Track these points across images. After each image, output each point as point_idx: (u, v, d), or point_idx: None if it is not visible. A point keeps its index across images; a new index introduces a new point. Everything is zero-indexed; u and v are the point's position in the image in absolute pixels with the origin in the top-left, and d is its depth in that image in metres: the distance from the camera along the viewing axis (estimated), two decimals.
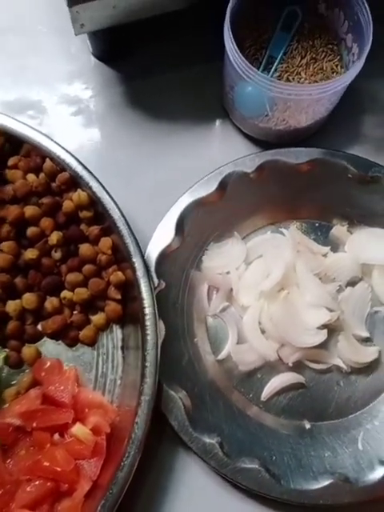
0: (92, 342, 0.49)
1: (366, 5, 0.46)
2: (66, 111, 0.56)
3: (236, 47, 0.45)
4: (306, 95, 0.47)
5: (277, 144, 0.53)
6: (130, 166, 0.54)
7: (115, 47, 0.56)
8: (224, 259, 0.51)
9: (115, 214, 0.47)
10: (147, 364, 0.44)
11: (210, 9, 0.49)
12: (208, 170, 0.52)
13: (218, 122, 0.56)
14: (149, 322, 0.45)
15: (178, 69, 0.56)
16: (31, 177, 0.49)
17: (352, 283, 0.52)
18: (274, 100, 0.48)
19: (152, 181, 0.53)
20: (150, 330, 0.45)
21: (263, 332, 0.50)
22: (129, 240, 0.47)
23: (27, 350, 0.48)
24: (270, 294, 0.49)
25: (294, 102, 0.49)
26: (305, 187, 0.52)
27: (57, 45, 0.57)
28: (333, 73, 0.52)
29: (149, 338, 0.45)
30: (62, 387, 0.46)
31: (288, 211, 0.53)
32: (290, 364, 0.49)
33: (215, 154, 0.54)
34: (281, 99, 0.48)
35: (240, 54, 0.45)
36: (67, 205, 0.48)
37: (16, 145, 0.50)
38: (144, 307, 0.45)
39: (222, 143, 0.55)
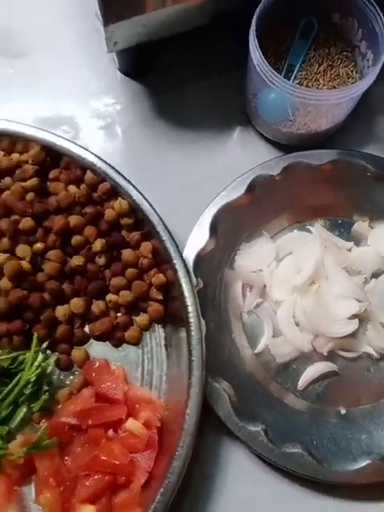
0: (137, 342, 0.52)
1: (381, 14, 0.49)
2: (97, 125, 0.59)
3: (262, 56, 0.49)
4: (326, 100, 0.51)
5: (298, 147, 0.56)
6: (160, 174, 0.57)
7: (141, 62, 0.59)
8: (255, 258, 0.54)
9: (155, 219, 0.50)
10: (194, 358, 0.47)
11: (230, 22, 0.53)
12: (234, 174, 0.55)
13: (240, 129, 0.59)
14: (192, 320, 0.48)
15: (200, 80, 0.59)
16: (72, 188, 0.52)
17: (376, 275, 0.55)
18: (295, 105, 0.52)
19: (182, 187, 0.56)
20: (194, 327, 0.48)
21: (297, 325, 0.53)
22: (169, 244, 0.50)
23: (77, 353, 0.51)
24: (302, 289, 0.52)
25: (314, 107, 0.52)
26: (327, 186, 0.56)
27: (84, 63, 0.60)
28: (348, 78, 0.55)
29: (193, 334, 0.48)
30: (114, 385, 0.49)
31: (312, 210, 0.56)
32: (325, 353, 0.52)
33: (240, 159, 0.57)
34: (302, 104, 0.51)
35: (266, 62, 0.49)
36: (109, 213, 0.51)
37: (55, 158, 0.53)
38: (187, 305, 0.48)
39: (246, 148, 0.58)
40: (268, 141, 0.59)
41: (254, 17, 0.49)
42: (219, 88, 0.59)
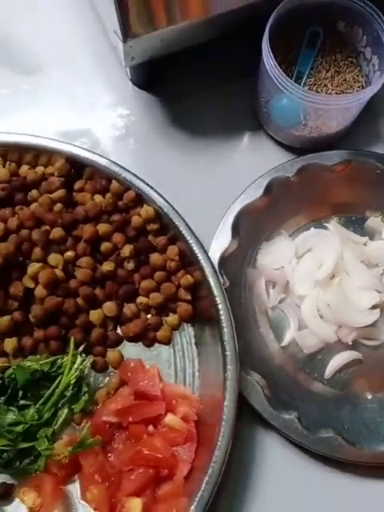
0: (168, 341, 0.54)
1: None
2: (113, 136, 0.61)
3: (276, 63, 0.52)
4: (336, 105, 0.54)
5: (309, 149, 0.59)
6: (178, 181, 0.59)
7: (153, 74, 0.61)
8: (276, 256, 0.57)
9: (181, 224, 0.53)
10: (228, 353, 0.49)
11: (240, 32, 0.56)
12: (249, 177, 0.58)
13: (252, 133, 0.62)
14: (224, 317, 0.50)
15: (211, 88, 0.62)
16: (98, 197, 0.54)
17: None
18: (307, 110, 0.55)
19: (200, 192, 0.59)
20: (225, 324, 0.50)
21: (321, 317, 0.55)
22: (195, 246, 0.52)
23: (111, 354, 0.53)
24: (324, 283, 0.55)
25: (324, 111, 0.55)
26: (339, 185, 0.59)
27: (98, 76, 0.63)
28: (354, 82, 0.58)
29: (225, 330, 0.50)
30: (151, 383, 0.51)
31: (327, 208, 0.59)
32: (350, 342, 0.54)
33: (253, 163, 0.60)
34: (313, 109, 0.54)
35: (279, 69, 0.52)
36: (136, 220, 0.53)
37: (79, 169, 0.55)
38: (217, 303, 0.51)
39: (258, 152, 0.61)
40: (279, 144, 0.61)
41: (267, 27, 0.52)
42: (230, 95, 0.62)
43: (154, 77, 0.61)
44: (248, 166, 0.60)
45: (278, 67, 0.52)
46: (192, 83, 0.62)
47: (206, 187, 0.59)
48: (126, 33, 0.50)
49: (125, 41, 0.51)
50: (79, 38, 0.64)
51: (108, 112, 0.62)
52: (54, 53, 0.63)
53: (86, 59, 0.63)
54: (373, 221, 0.59)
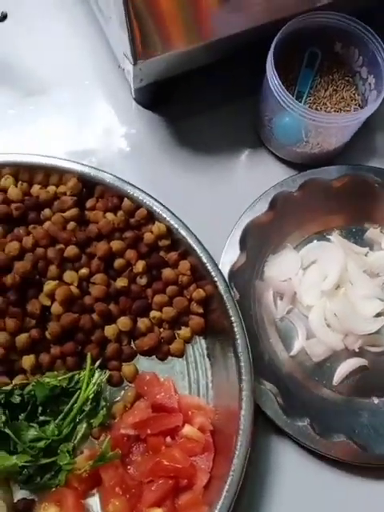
0: (181, 354, 0.56)
1: (381, 42, 0.55)
2: (119, 155, 0.63)
3: (280, 83, 0.54)
4: (335, 123, 0.56)
5: (309, 165, 0.62)
6: (184, 197, 0.61)
7: (158, 95, 0.63)
8: (283, 268, 0.59)
9: (192, 239, 0.54)
10: (242, 364, 0.51)
11: (242, 54, 0.59)
12: (253, 192, 0.60)
13: (254, 150, 0.64)
14: (237, 329, 0.52)
15: (214, 107, 0.64)
16: (110, 215, 0.56)
17: None
18: (308, 128, 0.57)
19: (206, 208, 0.61)
20: (239, 336, 0.52)
21: (328, 326, 0.57)
22: (207, 261, 0.54)
23: (127, 368, 0.54)
24: (330, 293, 0.57)
25: (324, 129, 0.57)
26: (340, 199, 0.61)
27: (103, 96, 0.65)
28: (351, 100, 0.61)
29: (239, 342, 0.52)
30: (168, 395, 0.52)
31: (328, 221, 0.62)
32: (356, 350, 0.56)
33: (256, 179, 0.62)
34: (314, 126, 0.57)
35: (283, 88, 0.54)
36: (148, 237, 0.55)
37: (90, 188, 0.56)
38: (230, 316, 0.52)
39: (260, 168, 0.63)
40: (280, 160, 0.64)
41: (271, 49, 0.54)
42: (232, 113, 0.64)
43: (159, 97, 0.63)
44: (251, 181, 0.62)
45: (283, 87, 0.54)
46: (195, 102, 0.64)
47: (212, 203, 0.61)
48: (136, 56, 0.52)
49: (135, 63, 0.53)
50: (84, 60, 0.65)
51: (113, 131, 0.64)
52: (59, 74, 0.65)
53: (91, 80, 0.65)
54: (372, 232, 0.62)
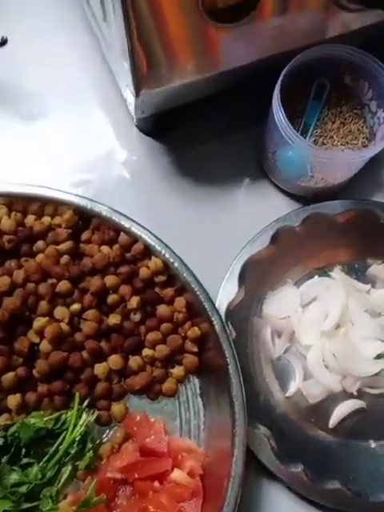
0: (173, 394, 0.54)
1: None
2: (119, 182, 0.61)
3: (286, 118, 0.52)
4: (341, 160, 0.55)
5: (313, 199, 0.60)
6: (184, 228, 0.59)
7: (160, 122, 0.61)
8: (282, 305, 0.57)
9: (189, 276, 0.52)
10: (236, 409, 0.49)
11: (248, 84, 0.57)
12: (254, 225, 0.58)
13: (257, 182, 0.62)
14: (232, 371, 0.50)
15: (217, 136, 0.62)
16: (106, 249, 0.54)
17: None
18: (313, 163, 0.55)
19: (207, 241, 0.59)
20: (234, 378, 0.50)
21: (326, 367, 0.55)
22: (204, 298, 0.52)
23: (116, 408, 0.53)
24: (330, 333, 0.56)
25: (329, 165, 0.55)
26: (343, 234, 0.59)
27: (104, 121, 0.63)
28: (359, 133, 0.59)
29: (234, 385, 0.50)
30: (158, 439, 0.51)
31: (330, 256, 0.60)
32: (355, 393, 0.55)
33: (258, 211, 0.60)
34: (319, 162, 0.55)
35: (289, 124, 0.52)
36: (144, 272, 0.53)
37: (86, 220, 0.54)
38: (226, 357, 0.50)
39: (263, 201, 0.61)
40: (283, 192, 0.62)
41: (278, 83, 0.52)
42: (236, 143, 0.62)
43: (161, 124, 0.61)
44: (253, 214, 0.60)
45: (288, 122, 0.52)
46: (199, 131, 0.62)
47: (212, 236, 0.59)
48: (139, 88, 0.50)
49: (137, 95, 0.51)
50: (86, 85, 0.63)
51: (114, 157, 0.62)
52: (60, 98, 0.63)
53: (92, 105, 0.63)
54: (375, 268, 0.60)
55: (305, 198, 0.61)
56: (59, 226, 0.54)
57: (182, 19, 0.46)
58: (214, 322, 0.51)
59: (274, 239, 0.57)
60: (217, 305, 0.54)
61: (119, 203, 0.58)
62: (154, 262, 0.53)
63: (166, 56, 0.48)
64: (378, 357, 0.55)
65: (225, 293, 0.55)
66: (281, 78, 0.52)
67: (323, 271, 0.60)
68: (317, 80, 0.58)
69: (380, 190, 0.62)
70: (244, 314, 0.56)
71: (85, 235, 0.54)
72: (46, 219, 0.54)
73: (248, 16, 0.49)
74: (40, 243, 0.54)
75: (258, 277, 0.57)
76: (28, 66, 0.63)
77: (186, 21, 0.46)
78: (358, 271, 0.60)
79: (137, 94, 0.50)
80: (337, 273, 0.59)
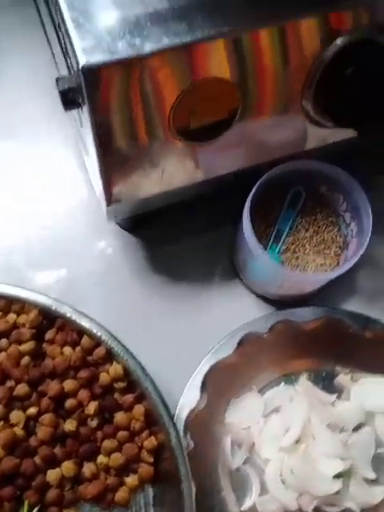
0: (126, 503, 0.53)
1: (366, 198, 0.53)
2: (92, 276, 0.61)
3: (255, 237, 0.52)
4: (310, 281, 0.55)
5: (285, 302, 0.59)
6: (150, 328, 0.59)
7: (137, 220, 0.61)
8: (244, 414, 0.56)
9: (149, 385, 0.52)
10: None
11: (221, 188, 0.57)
12: (224, 328, 0.57)
13: (230, 283, 0.61)
14: (185, 485, 0.49)
15: (193, 233, 0.62)
16: (68, 350, 0.53)
17: (357, 428, 0.57)
18: (283, 277, 0.55)
19: (174, 342, 0.58)
20: (185, 491, 0.49)
21: (283, 482, 0.54)
22: (162, 410, 0.51)
23: None
24: (290, 448, 0.54)
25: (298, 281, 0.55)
26: (312, 342, 0.58)
27: (80, 214, 0.63)
28: (332, 242, 0.58)
29: (185, 496, 0.49)
30: None
31: (298, 364, 0.59)
32: (310, 511, 0.54)
33: (229, 313, 0.60)
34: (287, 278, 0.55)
35: (258, 242, 0.52)
36: (104, 378, 0.52)
37: (51, 319, 0.54)
38: (180, 473, 0.49)
39: (235, 302, 0.61)
40: (255, 294, 0.61)
41: (249, 197, 0.52)
42: (212, 242, 0.62)
43: (137, 222, 0.61)
44: (223, 315, 0.60)
45: (256, 241, 0.52)
46: (175, 228, 0.62)
47: (180, 337, 0.59)
48: (109, 200, 0.50)
49: (108, 205, 0.51)
50: (64, 175, 0.63)
51: (90, 249, 0.62)
52: (37, 186, 0.63)
53: (69, 196, 0.63)
54: (342, 378, 0.59)
55: (278, 301, 0.60)
56: (24, 325, 0.53)
57: (153, 138, 0.46)
58: (171, 435, 0.50)
59: (240, 346, 0.56)
60: (178, 411, 0.54)
61: (89, 297, 0.59)
62: (114, 369, 0.52)
63: (136, 171, 0.48)
64: (338, 476, 0.54)
65: (187, 399, 0.54)
66: (252, 193, 0.52)
67: (290, 378, 0.59)
68: (292, 188, 0.58)
69: (353, 297, 0.61)
70: (205, 421, 0.55)
71: (49, 334, 0.54)
72: (12, 317, 0.54)
73: (222, 134, 0.49)
74: (3, 341, 0.53)
75: (221, 384, 0.56)
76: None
77: (156, 140, 0.46)
78: (325, 379, 0.59)
79: (107, 204, 0.50)
80: (302, 382, 0.58)
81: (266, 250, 0.57)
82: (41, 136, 0.65)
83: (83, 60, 0.40)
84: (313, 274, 0.57)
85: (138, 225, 0.61)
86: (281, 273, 0.53)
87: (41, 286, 0.59)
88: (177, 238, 0.62)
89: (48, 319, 0.54)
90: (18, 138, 0.64)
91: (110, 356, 0.53)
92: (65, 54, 0.46)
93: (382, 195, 0.59)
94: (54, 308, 0.53)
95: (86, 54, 0.40)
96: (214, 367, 0.55)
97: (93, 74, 0.40)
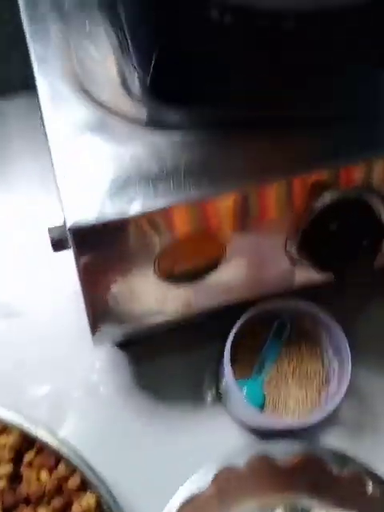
0: None
1: (347, 346, 0.54)
2: (74, 394, 0.61)
3: (235, 382, 0.53)
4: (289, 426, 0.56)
5: (266, 433, 0.59)
6: (131, 448, 0.59)
7: (125, 340, 0.62)
8: None
9: None
10: None
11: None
12: (202, 455, 0.57)
13: (214, 406, 0.61)
14: None
15: (180, 351, 0.62)
16: (44, 475, 0.54)
17: None
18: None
19: (149, 469, 0.58)
20: None
21: None
22: None
23: None
24: None
25: None
26: (290, 477, 0.57)
27: (67, 328, 0.63)
28: (316, 375, 0.59)
29: None
30: None
31: (274, 498, 0.57)
32: None
33: (210, 439, 0.59)
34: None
35: (238, 387, 0.53)
36: (76, 509, 0.52)
37: (30, 441, 0.55)
38: None
39: (217, 428, 0.60)
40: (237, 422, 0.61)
41: (228, 343, 0.53)
42: (199, 361, 0.62)
43: (127, 341, 0.62)
44: (201, 443, 0.59)
45: (237, 385, 0.53)
46: (164, 345, 0.62)
47: (158, 462, 0.58)
48: (95, 330, 0.51)
49: (94, 333, 0.52)
50: (46, 289, 0.65)
51: (71, 366, 0.62)
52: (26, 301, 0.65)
53: (51, 313, 0.64)
54: None
55: (259, 431, 0.60)
56: (4, 445, 0.54)
57: (139, 281, 0.48)
58: None
59: (216, 478, 0.56)
60: None
61: (72, 412, 0.60)
62: (87, 502, 0.52)
63: (123, 309, 0.50)
64: None
65: None
66: (230, 338, 0.53)
67: (266, 511, 0.58)
68: (277, 319, 0.59)
69: (333, 428, 0.60)
70: None
71: (28, 456, 0.54)
72: None
73: (208, 275, 0.51)
74: None
75: None
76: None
77: (142, 283, 0.48)
78: None
79: (93, 333, 0.52)
80: None
81: (249, 378, 0.58)
82: None
83: (71, 221, 0.42)
84: (291, 420, 0.57)
85: (127, 343, 0.62)
86: (260, 418, 0.53)
87: (26, 401, 0.60)
88: (163, 355, 0.62)
89: (27, 442, 0.54)
90: None
91: (84, 485, 0.53)
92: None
93: (367, 329, 0.61)
94: (33, 433, 0.54)
95: (75, 213, 0.42)
96: (188, 499, 0.55)
97: (80, 234, 0.42)
